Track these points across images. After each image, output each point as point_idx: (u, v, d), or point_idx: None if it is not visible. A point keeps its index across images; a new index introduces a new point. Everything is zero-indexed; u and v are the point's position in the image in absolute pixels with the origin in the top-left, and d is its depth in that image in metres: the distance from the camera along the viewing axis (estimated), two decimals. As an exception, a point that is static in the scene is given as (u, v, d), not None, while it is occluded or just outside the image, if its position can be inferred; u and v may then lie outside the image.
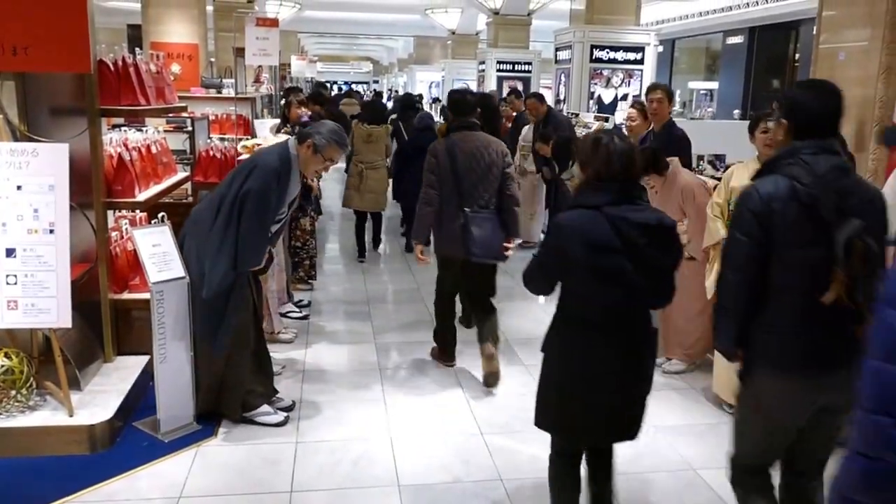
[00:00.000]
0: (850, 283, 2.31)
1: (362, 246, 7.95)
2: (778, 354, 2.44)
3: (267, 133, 6.42)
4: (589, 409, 2.69)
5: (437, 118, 11.88)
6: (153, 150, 4.85)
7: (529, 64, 15.34)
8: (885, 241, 2.45)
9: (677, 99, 21.22)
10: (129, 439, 3.80)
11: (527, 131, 8.14)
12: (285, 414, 4.07)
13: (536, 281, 2.85)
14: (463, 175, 4.51)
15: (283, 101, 6.95)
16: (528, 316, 5.81)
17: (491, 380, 4.61)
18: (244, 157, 4.51)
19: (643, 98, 6.29)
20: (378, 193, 7.78)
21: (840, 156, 2.46)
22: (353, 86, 41.49)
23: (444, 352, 5.04)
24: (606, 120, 7.87)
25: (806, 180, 2.36)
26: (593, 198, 2.61)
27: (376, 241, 8.39)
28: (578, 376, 2.68)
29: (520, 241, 5.72)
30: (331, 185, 12.99)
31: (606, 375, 2.64)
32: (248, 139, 6.20)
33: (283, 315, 5.58)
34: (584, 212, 2.61)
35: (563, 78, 11.04)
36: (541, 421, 2.86)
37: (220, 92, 8.58)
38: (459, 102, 4.84)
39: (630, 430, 2.78)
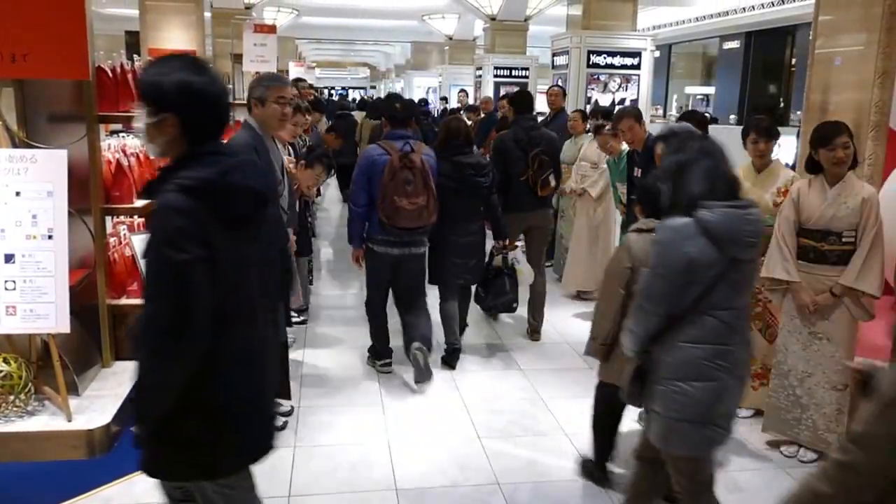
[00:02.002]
0: (535, 174, 5.34)
1: None
2: None
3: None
4: (452, 266, 4.94)
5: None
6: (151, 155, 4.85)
7: (527, 69, 15.34)
8: (553, 156, 5.51)
9: (674, 103, 21.35)
10: (127, 444, 3.78)
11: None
12: (283, 419, 4.06)
13: None
14: None
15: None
16: (525, 325, 5.80)
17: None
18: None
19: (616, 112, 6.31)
20: None
21: (535, 120, 5.94)
22: (351, 91, 41.61)
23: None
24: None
25: (520, 134, 5.47)
26: (447, 152, 4.82)
27: None
28: (445, 246, 4.89)
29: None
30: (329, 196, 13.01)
31: (459, 246, 4.91)
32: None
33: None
34: (441, 158, 4.77)
35: (560, 83, 11.06)
36: (430, 278, 4.99)
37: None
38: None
39: (474, 275, 5.11)
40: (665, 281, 2.45)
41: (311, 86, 11.71)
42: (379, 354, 4.90)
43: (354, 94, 37.31)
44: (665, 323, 2.50)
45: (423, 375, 4.53)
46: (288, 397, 4.20)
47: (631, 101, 10.23)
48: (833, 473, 1.58)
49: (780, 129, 4.29)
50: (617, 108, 10.00)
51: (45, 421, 3.70)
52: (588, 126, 7.05)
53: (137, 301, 4.33)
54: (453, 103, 16.53)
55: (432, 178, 4.51)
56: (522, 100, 5.82)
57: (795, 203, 3.75)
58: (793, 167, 5.14)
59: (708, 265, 2.40)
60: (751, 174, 4.18)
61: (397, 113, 4.68)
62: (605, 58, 10.46)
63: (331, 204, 12.22)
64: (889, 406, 1.50)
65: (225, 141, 4.16)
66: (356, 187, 4.53)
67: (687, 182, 2.46)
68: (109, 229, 4.50)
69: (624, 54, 10.45)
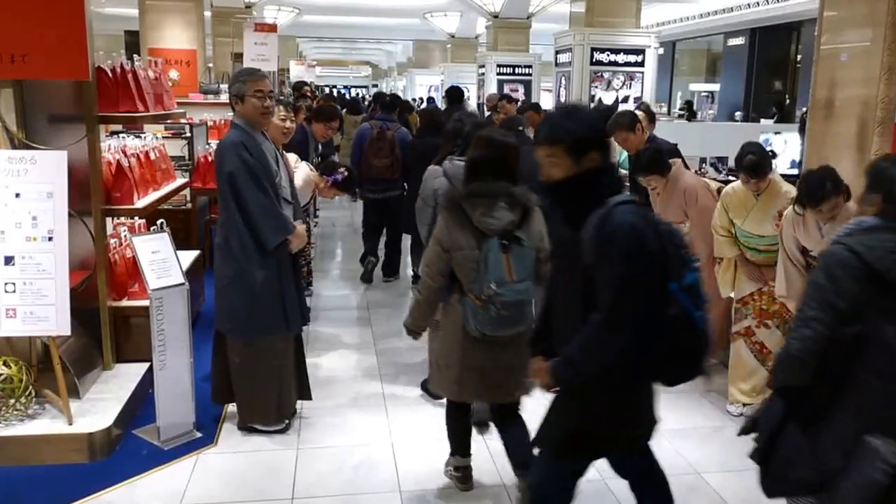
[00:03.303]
0: None
1: None
2: None
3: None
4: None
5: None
6: (152, 156, 4.84)
7: (529, 67, 15.30)
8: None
9: (678, 100, 21.28)
10: (129, 447, 3.78)
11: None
12: (286, 420, 4.04)
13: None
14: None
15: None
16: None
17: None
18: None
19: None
20: None
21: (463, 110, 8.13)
22: (353, 90, 41.56)
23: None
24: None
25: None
26: (424, 134, 6.37)
27: None
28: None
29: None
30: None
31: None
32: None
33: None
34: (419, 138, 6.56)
35: (563, 81, 11.02)
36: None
37: (218, 97, 8.57)
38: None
39: None
40: (424, 204, 3.91)
41: (316, 87, 11.74)
42: (363, 258, 7.16)
43: (355, 93, 37.21)
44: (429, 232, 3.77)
45: (367, 277, 7.04)
46: (308, 397, 4.19)
47: (634, 98, 10.20)
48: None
49: (781, 126, 4.26)
50: (619, 107, 9.99)
51: (45, 424, 3.68)
52: None
53: (139, 303, 4.32)
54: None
55: (399, 148, 6.60)
56: (454, 94, 8.71)
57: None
58: (799, 164, 5.09)
59: (444, 194, 3.66)
60: (750, 200, 4.12)
61: (385, 104, 7.33)
62: (608, 55, 10.41)
63: (333, 203, 12.19)
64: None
65: (216, 141, 4.15)
66: (353, 149, 6.96)
67: (445, 146, 4.09)
68: (110, 230, 4.48)
69: (627, 51, 10.40)
